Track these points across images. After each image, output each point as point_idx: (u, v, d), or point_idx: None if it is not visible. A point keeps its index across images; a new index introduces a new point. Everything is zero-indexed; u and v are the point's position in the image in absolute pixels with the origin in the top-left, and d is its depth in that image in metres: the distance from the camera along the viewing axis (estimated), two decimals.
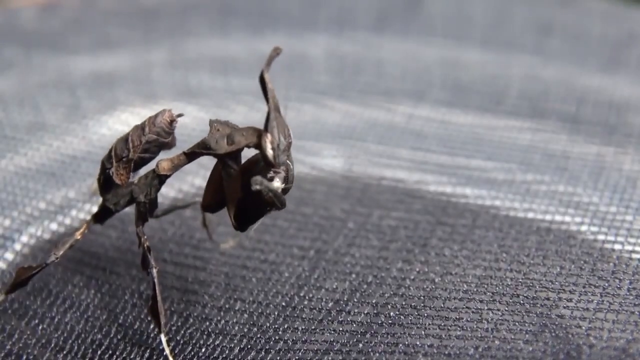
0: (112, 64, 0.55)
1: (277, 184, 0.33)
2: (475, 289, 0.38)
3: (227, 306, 0.38)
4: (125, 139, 0.37)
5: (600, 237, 0.41)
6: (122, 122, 0.50)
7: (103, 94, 0.52)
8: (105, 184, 0.37)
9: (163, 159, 0.36)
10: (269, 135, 0.33)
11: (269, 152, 0.33)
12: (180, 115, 0.37)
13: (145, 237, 0.36)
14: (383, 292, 0.38)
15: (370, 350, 0.36)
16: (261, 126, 0.33)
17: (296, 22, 0.59)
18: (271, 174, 0.33)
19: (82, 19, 0.60)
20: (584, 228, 0.42)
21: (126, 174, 0.37)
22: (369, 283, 0.39)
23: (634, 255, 0.39)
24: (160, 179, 0.36)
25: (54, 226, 0.44)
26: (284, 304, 0.38)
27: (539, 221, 0.42)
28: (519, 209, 0.43)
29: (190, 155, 0.35)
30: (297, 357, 0.36)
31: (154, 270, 0.35)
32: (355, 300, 0.38)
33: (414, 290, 0.38)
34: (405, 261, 0.40)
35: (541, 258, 0.39)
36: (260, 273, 0.40)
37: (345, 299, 0.38)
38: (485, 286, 0.38)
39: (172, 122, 0.36)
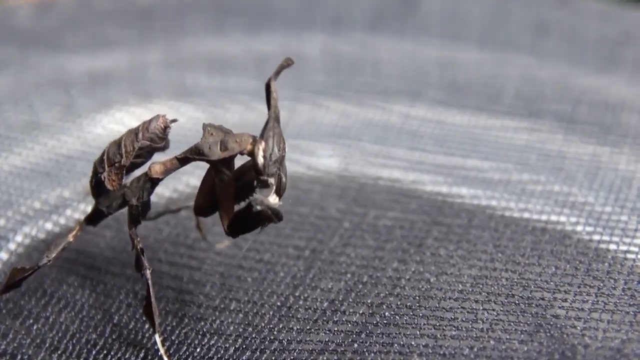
0: (107, 63, 0.55)
1: (276, 200, 0.32)
2: (470, 289, 0.38)
3: (222, 306, 0.38)
4: (118, 144, 0.36)
5: (596, 237, 0.41)
6: (117, 121, 0.50)
7: (98, 93, 0.52)
8: (98, 187, 0.37)
9: (155, 163, 0.36)
10: (263, 144, 0.33)
11: (260, 161, 0.32)
12: (174, 121, 0.36)
13: (139, 239, 0.36)
14: (378, 292, 0.38)
15: (365, 350, 0.35)
16: (257, 130, 0.33)
17: (293, 21, 0.59)
18: (263, 179, 0.32)
19: (77, 17, 0.60)
20: (579, 228, 0.42)
21: (118, 179, 0.37)
22: (364, 283, 0.39)
23: (629, 255, 0.39)
24: (152, 182, 0.36)
25: (49, 226, 0.44)
26: (279, 303, 0.38)
27: (534, 221, 0.42)
28: (515, 209, 0.43)
29: (183, 160, 0.35)
30: (292, 357, 0.36)
31: (148, 272, 0.35)
32: (351, 300, 0.38)
33: (409, 290, 0.38)
34: (401, 261, 0.40)
35: (536, 258, 0.39)
36: (255, 273, 0.40)
37: (340, 299, 0.38)
38: (481, 286, 0.38)
39: (165, 128, 0.36)
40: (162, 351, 0.36)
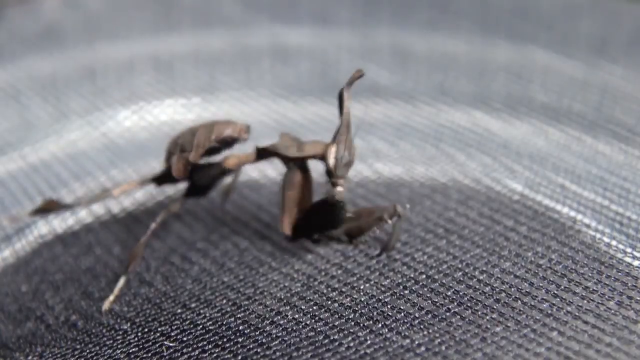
0: (131, 55, 0.55)
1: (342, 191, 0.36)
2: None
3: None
4: (193, 134, 0.39)
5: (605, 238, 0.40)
6: (129, 118, 0.50)
7: (114, 87, 0.52)
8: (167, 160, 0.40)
9: (231, 156, 0.39)
10: (334, 147, 0.36)
11: (332, 162, 0.36)
12: (248, 132, 0.38)
13: (179, 207, 0.40)
14: None
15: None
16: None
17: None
18: (334, 181, 0.36)
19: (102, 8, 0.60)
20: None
21: (184, 169, 0.39)
22: None
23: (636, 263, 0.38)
24: (223, 171, 0.40)
25: (55, 223, 0.43)
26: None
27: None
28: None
29: (259, 156, 0.38)
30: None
31: (153, 225, 0.39)
32: None
33: None
34: None
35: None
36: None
37: None
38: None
39: (237, 139, 0.38)
40: (116, 290, 0.38)
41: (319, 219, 0.38)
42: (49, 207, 0.41)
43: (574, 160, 0.45)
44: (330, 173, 0.36)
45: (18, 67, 0.54)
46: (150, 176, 0.41)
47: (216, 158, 0.40)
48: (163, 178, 0.41)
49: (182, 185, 0.41)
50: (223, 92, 0.52)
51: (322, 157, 0.36)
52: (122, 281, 0.39)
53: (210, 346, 0.36)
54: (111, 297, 0.38)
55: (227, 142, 0.39)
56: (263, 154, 0.38)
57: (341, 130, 0.36)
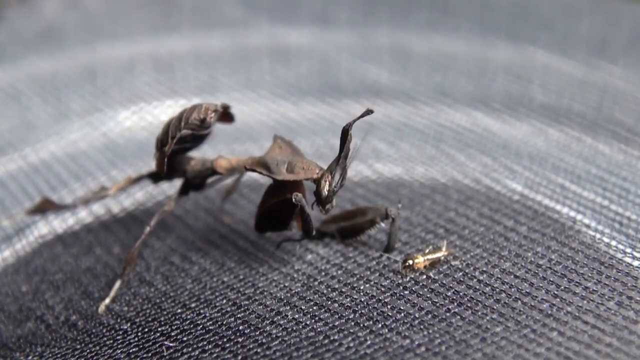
0: (131, 56, 0.55)
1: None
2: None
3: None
4: (167, 126, 0.38)
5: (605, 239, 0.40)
6: (129, 118, 0.50)
7: (114, 88, 0.52)
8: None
9: (223, 157, 0.39)
10: (329, 177, 0.35)
11: (324, 193, 0.35)
12: (217, 111, 0.37)
13: (173, 205, 0.39)
14: None
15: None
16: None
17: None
18: (322, 206, 0.36)
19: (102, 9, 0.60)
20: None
21: (161, 164, 0.38)
22: None
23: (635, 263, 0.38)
24: (214, 172, 0.39)
25: (55, 224, 0.43)
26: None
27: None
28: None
29: (249, 169, 0.37)
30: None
31: (147, 229, 0.38)
32: None
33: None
34: None
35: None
36: None
37: None
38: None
39: (204, 119, 0.37)
40: (112, 293, 0.38)
41: (279, 216, 0.37)
42: (45, 206, 0.41)
43: (574, 161, 0.45)
44: (320, 201, 0.36)
45: (18, 67, 0.54)
46: (145, 173, 0.41)
47: (209, 156, 0.40)
48: (156, 174, 0.41)
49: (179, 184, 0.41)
50: (223, 92, 0.52)
51: (315, 182, 0.36)
52: (117, 284, 0.39)
53: (210, 346, 0.36)
54: (107, 300, 0.38)
55: (199, 126, 0.37)
56: (252, 170, 0.37)
57: (340, 160, 0.35)
